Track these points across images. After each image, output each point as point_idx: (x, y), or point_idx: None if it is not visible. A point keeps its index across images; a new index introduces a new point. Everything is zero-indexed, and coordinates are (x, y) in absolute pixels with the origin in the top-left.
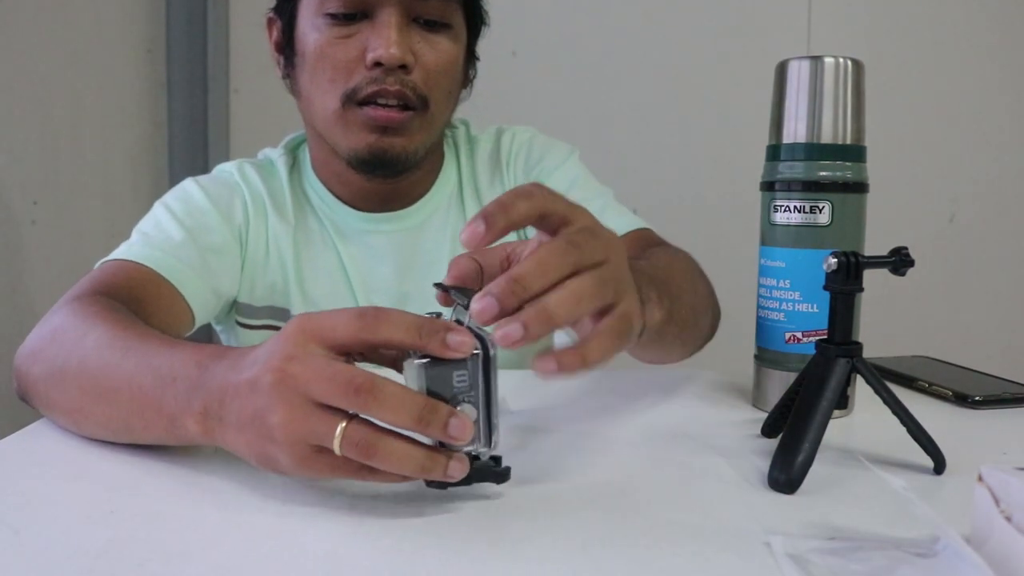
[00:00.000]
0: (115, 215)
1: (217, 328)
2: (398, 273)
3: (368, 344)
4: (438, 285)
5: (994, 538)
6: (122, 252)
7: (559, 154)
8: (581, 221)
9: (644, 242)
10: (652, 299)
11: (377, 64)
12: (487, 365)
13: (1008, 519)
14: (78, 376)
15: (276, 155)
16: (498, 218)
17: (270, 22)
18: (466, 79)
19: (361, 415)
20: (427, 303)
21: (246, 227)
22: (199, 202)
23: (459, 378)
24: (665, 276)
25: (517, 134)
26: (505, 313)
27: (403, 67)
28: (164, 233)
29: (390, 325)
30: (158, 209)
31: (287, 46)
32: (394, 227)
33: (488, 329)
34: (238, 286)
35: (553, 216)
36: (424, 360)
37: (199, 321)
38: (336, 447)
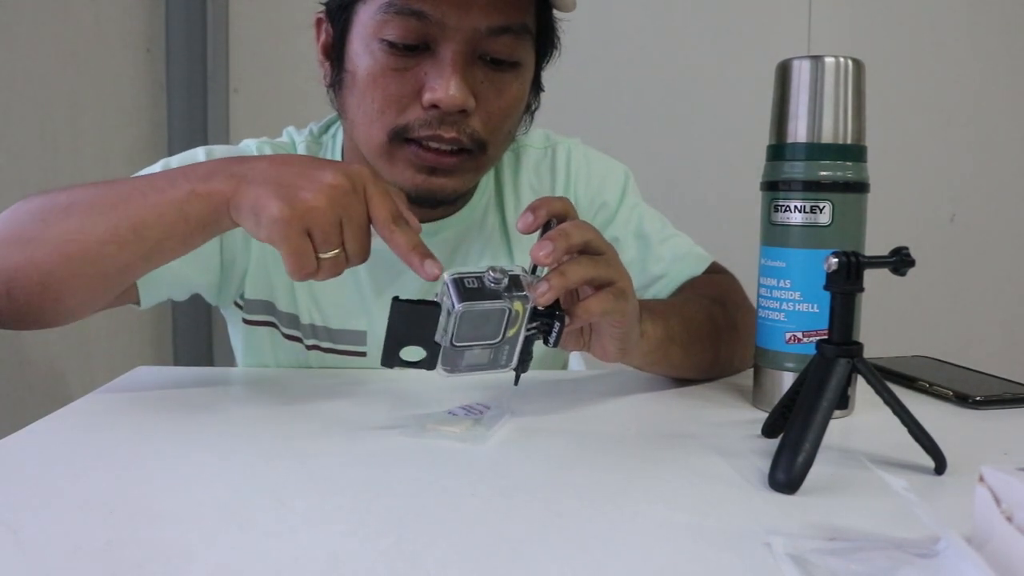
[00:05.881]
0: None
1: (229, 325)
2: (424, 284)
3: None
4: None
5: (995, 538)
6: None
7: (616, 181)
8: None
9: (709, 285)
10: (647, 318)
11: (434, 106)
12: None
13: (1009, 519)
14: (70, 208)
15: (300, 139)
16: (540, 209)
17: (319, 22)
18: (528, 109)
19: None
20: None
21: None
22: None
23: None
24: (672, 306)
25: (572, 150)
26: (556, 252)
27: (462, 111)
28: None
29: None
30: (157, 167)
31: (336, 58)
32: (426, 240)
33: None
34: (216, 279)
35: (562, 215)
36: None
37: (145, 303)
38: (326, 254)
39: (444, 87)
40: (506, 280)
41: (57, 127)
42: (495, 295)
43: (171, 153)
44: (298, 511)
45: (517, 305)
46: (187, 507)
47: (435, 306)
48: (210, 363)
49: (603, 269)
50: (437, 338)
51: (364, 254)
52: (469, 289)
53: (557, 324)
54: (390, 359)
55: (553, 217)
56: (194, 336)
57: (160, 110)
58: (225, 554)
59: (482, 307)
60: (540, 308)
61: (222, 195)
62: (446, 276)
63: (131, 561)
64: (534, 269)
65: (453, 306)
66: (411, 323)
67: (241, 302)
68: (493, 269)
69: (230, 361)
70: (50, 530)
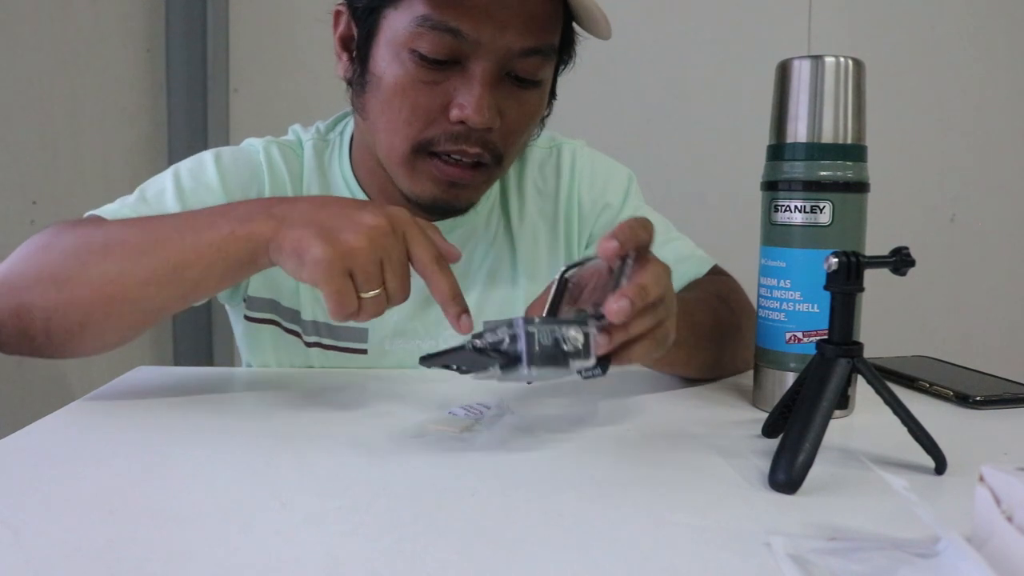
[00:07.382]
0: None
1: (231, 316)
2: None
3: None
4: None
5: (995, 538)
6: (112, 211)
7: (620, 183)
8: (655, 257)
9: (709, 285)
10: None
11: (461, 121)
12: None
13: (1009, 519)
14: (107, 248)
15: (307, 137)
16: (628, 241)
17: (337, 14)
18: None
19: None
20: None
21: None
22: (209, 180)
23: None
24: (681, 307)
25: (577, 152)
26: (632, 313)
27: (488, 128)
28: (161, 206)
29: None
30: (168, 176)
31: (359, 59)
32: None
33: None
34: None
35: (644, 247)
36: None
37: None
38: (368, 294)
39: (473, 105)
40: (581, 341)
41: (57, 127)
42: (564, 361)
43: (171, 153)
44: (298, 511)
45: (575, 365)
46: (187, 507)
47: (500, 355)
48: (210, 363)
49: (661, 315)
50: (487, 376)
51: (405, 293)
52: (543, 347)
53: (598, 371)
54: (431, 365)
55: (634, 249)
56: (194, 336)
57: (160, 110)
58: (225, 554)
59: (546, 372)
60: None
61: (262, 236)
62: (520, 324)
63: (131, 561)
64: (600, 315)
65: (521, 365)
66: (470, 360)
67: (245, 297)
68: (576, 328)
69: (230, 361)
70: (50, 530)
